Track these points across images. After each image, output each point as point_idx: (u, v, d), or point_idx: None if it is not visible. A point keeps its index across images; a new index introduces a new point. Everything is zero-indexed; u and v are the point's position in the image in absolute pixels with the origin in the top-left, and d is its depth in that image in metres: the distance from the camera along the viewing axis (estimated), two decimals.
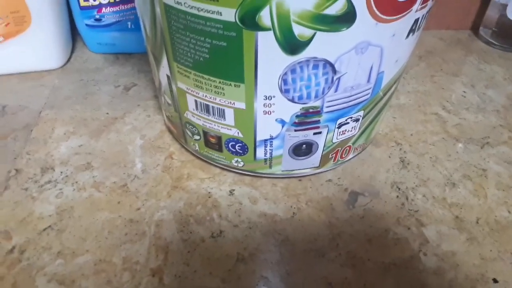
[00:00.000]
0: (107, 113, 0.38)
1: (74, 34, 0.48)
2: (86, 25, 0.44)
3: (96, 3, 0.42)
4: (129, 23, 0.45)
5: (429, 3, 0.25)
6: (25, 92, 0.41)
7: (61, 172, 0.32)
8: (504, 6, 0.48)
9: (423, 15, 0.26)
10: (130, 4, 0.43)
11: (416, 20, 0.25)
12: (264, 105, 0.26)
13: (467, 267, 0.27)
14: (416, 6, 0.24)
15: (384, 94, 0.29)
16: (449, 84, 0.45)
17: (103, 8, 0.43)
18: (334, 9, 0.21)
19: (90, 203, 0.30)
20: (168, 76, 0.29)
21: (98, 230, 0.28)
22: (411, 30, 0.26)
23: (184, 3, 0.22)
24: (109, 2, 0.43)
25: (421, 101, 0.42)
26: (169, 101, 0.31)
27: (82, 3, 0.42)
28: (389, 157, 0.35)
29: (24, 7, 0.38)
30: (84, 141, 0.35)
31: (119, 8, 0.43)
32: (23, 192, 0.31)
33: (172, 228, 0.29)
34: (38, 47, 0.42)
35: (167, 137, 0.36)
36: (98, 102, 0.40)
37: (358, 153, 0.34)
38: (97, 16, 0.44)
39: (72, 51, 0.47)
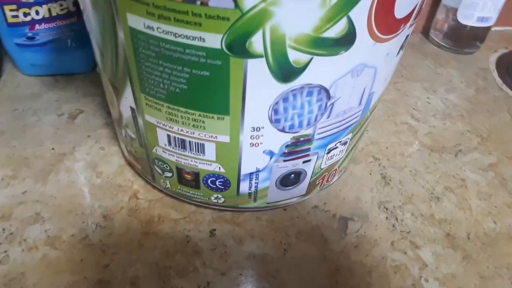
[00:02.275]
0: (53, 149, 0.33)
1: (1, 54, 0.41)
2: (16, 44, 0.38)
3: (28, 19, 0.37)
4: (68, 40, 0.39)
5: (418, 17, 0.24)
6: None
7: (4, 229, 0.27)
8: (455, 10, 0.49)
9: (412, 30, 0.24)
10: (69, 20, 0.38)
11: (407, 36, 0.24)
12: (251, 137, 0.23)
13: None
14: (410, 21, 0.22)
15: (371, 113, 0.27)
16: (412, 90, 0.45)
17: (37, 25, 0.37)
18: (334, 32, 0.19)
19: (46, 265, 0.25)
20: (132, 109, 0.25)
21: None
22: (402, 47, 0.24)
23: (157, 28, 0.19)
24: (43, 17, 0.37)
25: (389, 110, 0.41)
26: (133, 135, 0.27)
27: (10, 20, 0.36)
28: (370, 174, 0.34)
29: None
30: (29, 186, 0.30)
31: (56, 24, 0.38)
32: None
33: (151, 285, 0.24)
34: None
35: (128, 172, 0.32)
36: (39, 135, 0.34)
37: (341, 174, 0.32)
38: (30, 34, 0.38)
39: (1, 74, 0.41)
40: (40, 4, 0.36)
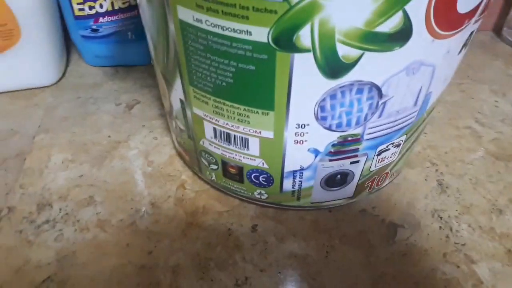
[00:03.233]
0: (109, 136, 0.35)
1: (68, 46, 0.44)
2: (82, 36, 0.40)
3: (92, 12, 0.39)
4: (129, 33, 0.41)
5: (485, 13, 0.22)
6: (16, 114, 0.37)
7: (60, 209, 0.28)
8: None
9: (478, 26, 0.22)
10: (130, 13, 0.39)
11: (471, 33, 0.22)
12: (295, 134, 0.23)
13: None
14: (475, 17, 0.20)
15: (428, 115, 0.26)
16: (478, 93, 0.41)
17: (100, 18, 0.39)
18: (388, 26, 0.18)
19: (95, 246, 0.26)
20: (181, 101, 0.25)
21: (106, 280, 0.25)
22: (465, 45, 0.22)
23: (206, 21, 0.19)
24: (106, 10, 0.39)
25: (451, 113, 0.38)
26: (182, 127, 0.27)
27: (77, 13, 0.39)
28: (426, 180, 0.32)
29: (12, 19, 0.34)
30: (85, 170, 0.31)
31: (118, 17, 0.39)
32: (18, 235, 0.27)
33: (191, 275, 0.25)
34: (29, 62, 0.38)
35: (178, 163, 0.32)
36: (98, 123, 0.36)
37: (394, 178, 0.30)
38: (94, 27, 0.40)
39: (67, 65, 0.44)
40: None
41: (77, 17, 0.39)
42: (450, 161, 0.33)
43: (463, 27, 0.20)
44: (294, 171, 0.25)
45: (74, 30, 0.40)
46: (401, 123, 0.24)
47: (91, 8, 0.38)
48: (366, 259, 0.26)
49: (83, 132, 0.35)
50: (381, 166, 0.26)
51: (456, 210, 0.29)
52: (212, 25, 0.19)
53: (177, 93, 0.25)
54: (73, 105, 0.38)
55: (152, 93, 0.40)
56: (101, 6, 0.38)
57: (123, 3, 0.38)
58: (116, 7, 0.39)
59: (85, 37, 0.40)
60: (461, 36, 0.21)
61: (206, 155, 0.27)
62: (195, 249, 0.26)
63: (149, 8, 0.22)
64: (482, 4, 0.20)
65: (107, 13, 0.39)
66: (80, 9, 0.38)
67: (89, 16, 0.39)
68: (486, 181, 0.32)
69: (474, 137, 0.36)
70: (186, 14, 0.19)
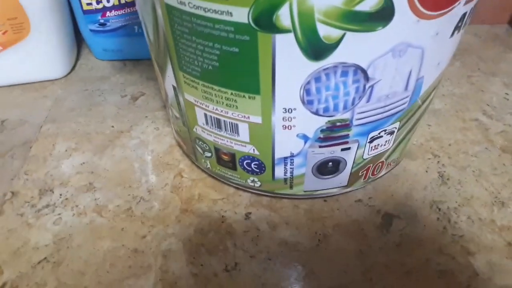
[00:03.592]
0: (113, 126, 0.35)
1: (80, 40, 0.45)
2: (90, 30, 0.42)
3: (100, 6, 0.40)
4: (135, 27, 0.41)
5: None
6: (26, 105, 0.38)
7: (61, 195, 0.29)
8: None
9: (472, 8, 0.22)
10: (136, 7, 0.40)
11: (464, 15, 0.21)
12: (283, 118, 0.23)
13: None
14: None
15: (423, 102, 0.25)
16: (488, 85, 0.40)
17: (107, 12, 0.40)
18: (368, 5, 0.17)
19: (91, 230, 0.27)
20: (174, 87, 0.25)
21: (99, 262, 0.25)
22: (457, 27, 0.22)
23: (189, 3, 0.19)
24: (113, 5, 0.40)
25: (458, 105, 0.38)
26: (177, 115, 0.28)
27: (85, 7, 0.40)
28: (426, 171, 0.31)
29: (22, 13, 0.36)
30: (87, 158, 0.32)
31: (125, 11, 0.40)
32: (19, 218, 0.28)
33: (181, 259, 0.25)
34: (39, 55, 0.39)
35: (177, 152, 0.33)
36: (103, 114, 0.37)
37: (391, 169, 0.30)
38: (102, 21, 0.41)
39: (78, 58, 0.45)
40: None
41: (85, 12, 0.40)
42: (453, 153, 0.32)
43: (451, 7, 0.20)
44: (285, 158, 0.25)
45: (83, 25, 0.41)
46: (392, 109, 0.23)
47: (98, 2, 0.39)
48: (358, 248, 0.26)
49: (87, 122, 0.36)
50: (375, 154, 0.26)
51: (456, 202, 0.29)
52: (195, 7, 0.19)
53: (169, 80, 0.25)
54: (80, 97, 0.39)
55: (157, 85, 0.40)
56: (108, 0, 0.39)
57: None
58: (122, 1, 0.39)
59: (93, 31, 0.41)
60: (450, 17, 0.20)
61: (200, 142, 0.27)
62: (188, 234, 0.27)
63: (142, 0, 0.22)
64: None
65: (114, 7, 0.40)
66: (88, 3, 0.39)
67: (96, 11, 0.40)
68: (490, 174, 0.31)
69: (480, 129, 0.35)
70: None
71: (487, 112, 0.37)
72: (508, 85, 0.40)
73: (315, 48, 0.19)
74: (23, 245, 0.26)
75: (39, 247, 0.26)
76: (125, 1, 0.39)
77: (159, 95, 0.39)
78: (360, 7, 0.17)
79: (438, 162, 0.32)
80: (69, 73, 0.42)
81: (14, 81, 0.40)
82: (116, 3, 0.39)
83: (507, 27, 0.50)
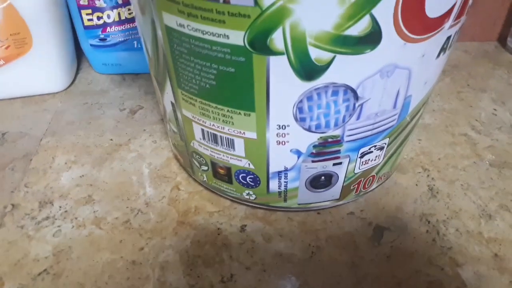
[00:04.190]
0: (111, 140, 0.36)
1: (80, 54, 0.46)
2: (91, 45, 0.43)
3: (101, 22, 0.41)
4: (135, 42, 0.43)
5: (463, 19, 0.23)
6: (27, 118, 0.39)
7: (60, 207, 0.30)
8: None
9: (456, 31, 0.23)
10: (135, 23, 0.41)
11: (448, 38, 0.22)
12: (277, 134, 0.23)
13: None
14: (449, 22, 0.21)
15: (412, 119, 0.26)
16: (477, 101, 0.41)
17: (108, 28, 0.41)
18: (357, 30, 0.19)
19: (90, 242, 0.28)
20: (172, 103, 0.26)
21: (98, 274, 0.26)
22: (442, 49, 0.23)
23: (187, 25, 0.20)
24: (114, 21, 0.41)
25: (448, 120, 0.39)
26: (175, 129, 0.29)
27: (86, 23, 0.41)
28: (416, 185, 0.32)
29: (25, 29, 0.37)
30: (86, 171, 0.33)
31: (125, 27, 0.41)
32: (19, 230, 0.28)
33: (178, 271, 0.26)
34: (40, 69, 0.40)
35: (174, 165, 0.34)
36: (102, 127, 0.38)
37: (382, 182, 0.31)
38: (102, 36, 0.42)
39: (78, 72, 0.46)
40: (111, 9, 0.40)
41: (87, 27, 0.41)
42: (443, 167, 0.33)
43: (436, 31, 0.21)
44: (279, 172, 0.26)
45: (84, 39, 0.42)
46: (381, 126, 0.24)
47: (99, 18, 0.40)
48: (350, 259, 0.27)
49: (87, 135, 0.37)
50: (366, 168, 0.27)
51: (445, 215, 0.29)
52: (193, 29, 0.20)
53: (168, 96, 0.26)
54: (80, 110, 0.40)
55: (155, 99, 0.41)
56: (108, 16, 0.40)
57: (129, 14, 0.40)
58: (122, 17, 0.41)
59: (94, 46, 0.43)
60: (436, 40, 0.21)
61: (197, 156, 0.28)
62: (184, 246, 0.27)
63: (141, 19, 0.23)
64: (455, 9, 0.21)
65: (115, 23, 0.41)
66: (89, 19, 0.40)
67: (97, 26, 0.41)
68: (478, 187, 0.32)
69: (469, 144, 0.36)
70: (170, 20, 0.21)
71: (476, 127, 0.38)
72: (496, 101, 0.41)
73: (307, 70, 0.20)
74: (24, 257, 0.27)
75: (39, 259, 0.27)
76: (125, 17, 0.40)
77: (157, 109, 0.40)
78: (349, 32, 0.19)
79: (428, 175, 0.33)
80: (69, 86, 0.43)
81: (15, 94, 0.41)
82: (117, 19, 0.40)
83: (496, 44, 0.52)
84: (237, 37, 0.19)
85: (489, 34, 0.52)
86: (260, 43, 0.19)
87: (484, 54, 0.49)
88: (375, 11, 0.18)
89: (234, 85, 0.21)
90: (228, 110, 0.23)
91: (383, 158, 0.27)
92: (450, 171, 0.33)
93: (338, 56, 0.19)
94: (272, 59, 0.20)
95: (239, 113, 0.23)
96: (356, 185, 0.28)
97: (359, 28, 0.18)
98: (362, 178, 0.28)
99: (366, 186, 0.29)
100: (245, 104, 0.22)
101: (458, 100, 0.41)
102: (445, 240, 0.28)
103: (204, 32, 0.20)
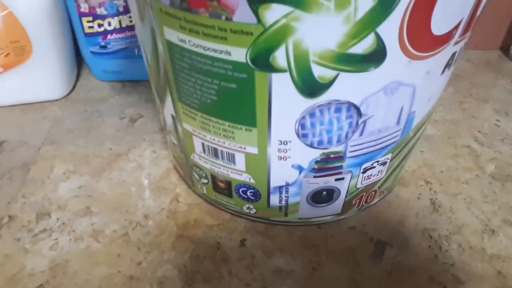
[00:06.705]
0: (111, 149, 0.36)
1: (80, 61, 0.46)
2: (91, 52, 0.42)
3: (101, 29, 0.40)
4: (135, 50, 0.42)
5: (468, 34, 0.22)
6: (26, 126, 0.39)
7: (58, 219, 0.30)
8: None
9: (461, 47, 0.23)
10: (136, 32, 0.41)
11: (453, 54, 0.22)
12: (279, 150, 0.23)
13: None
14: (454, 39, 0.21)
15: (415, 134, 0.26)
16: (480, 111, 0.41)
17: (109, 35, 0.41)
18: (361, 48, 0.18)
19: (87, 255, 0.27)
20: (173, 116, 0.26)
21: None
22: (447, 65, 0.22)
23: (189, 41, 0.20)
24: (114, 28, 0.40)
25: (450, 131, 0.38)
26: (175, 141, 0.28)
27: (87, 30, 0.40)
28: (418, 198, 0.32)
29: (24, 37, 0.36)
30: (85, 181, 0.33)
31: (125, 34, 0.41)
32: (15, 242, 0.28)
33: (177, 287, 0.25)
34: (40, 77, 0.39)
35: (174, 176, 0.33)
36: (101, 136, 0.37)
37: (384, 196, 0.30)
38: (103, 43, 0.41)
39: (78, 79, 0.45)
40: (112, 16, 0.39)
41: (87, 34, 0.41)
42: (445, 180, 0.33)
43: (441, 48, 0.20)
44: (280, 187, 0.25)
45: (84, 47, 0.42)
46: (384, 142, 0.24)
47: (100, 25, 0.40)
48: (351, 276, 0.26)
49: (86, 144, 0.36)
50: (368, 183, 0.27)
51: (447, 230, 0.29)
52: (195, 45, 0.20)
53: (168, 109, 0.26)
54: (79, 118, 0.40)
55: (155, 108, 0.41)
56: (109, 24, 0.40)
57: (130, 21, 0.40)
58: (123, 25, 0.40)
59: (94, 53, 0.42)
60: (441, 57, 0.21)
61: (197, 169, 0.28)
62: (183, 261, 0.27)
63: (142, 29, 0.23)
64: (461, 26, 0.20)
65: (115, 31, 0.41)
66: (90, 27, 0.40)
67: (98, 33, 0.41)
68: (481, 201, 0.31)
69: (472, 156, 0.36)
70: (171, 35, 0.20)
71: (479, 138, 0.37)
72: (499, 111, 0.41)
73: (310, 87, 0.20)
74: (19, 271, 0.26)
75: (35, 273, 0.26)
76: (126, 25, 0.40)
77: (157, 118, 0.40)
78: (353, 50, 0.18)
79: (430, 189, 0.32)
80: (69, 93, 0.43)
81: (14, 102, 0.41)
82: (117, 26, 0.40)
83: (499, 53, 0.51)
84: (239, 54, 0.19)
85: (492, 42, 0.51)
86: (262, 60, 0.19)
87: (487, 63, 0.49)
88: (380, 29, 0.18)
89: (236, 101, 0.21)
90: (229, 125, 0.23)
91: (386, 173, 0.27)
92: (453, 184, 0.33)
93: (342, 74, 0.19)
94: (275, 76, 0.19)
95: (240, 128, 0.22)
96: (358, 200, 0.28)
97: (364, 46, 0.18)
98: (364, 193, 0.27)
99: (368, 201, 0.29)
100: (247, 119, 0.22)
101: (461, 111, 0.41)
102: (448, 256, 0.27)
103: (206, 48, 0.19)
